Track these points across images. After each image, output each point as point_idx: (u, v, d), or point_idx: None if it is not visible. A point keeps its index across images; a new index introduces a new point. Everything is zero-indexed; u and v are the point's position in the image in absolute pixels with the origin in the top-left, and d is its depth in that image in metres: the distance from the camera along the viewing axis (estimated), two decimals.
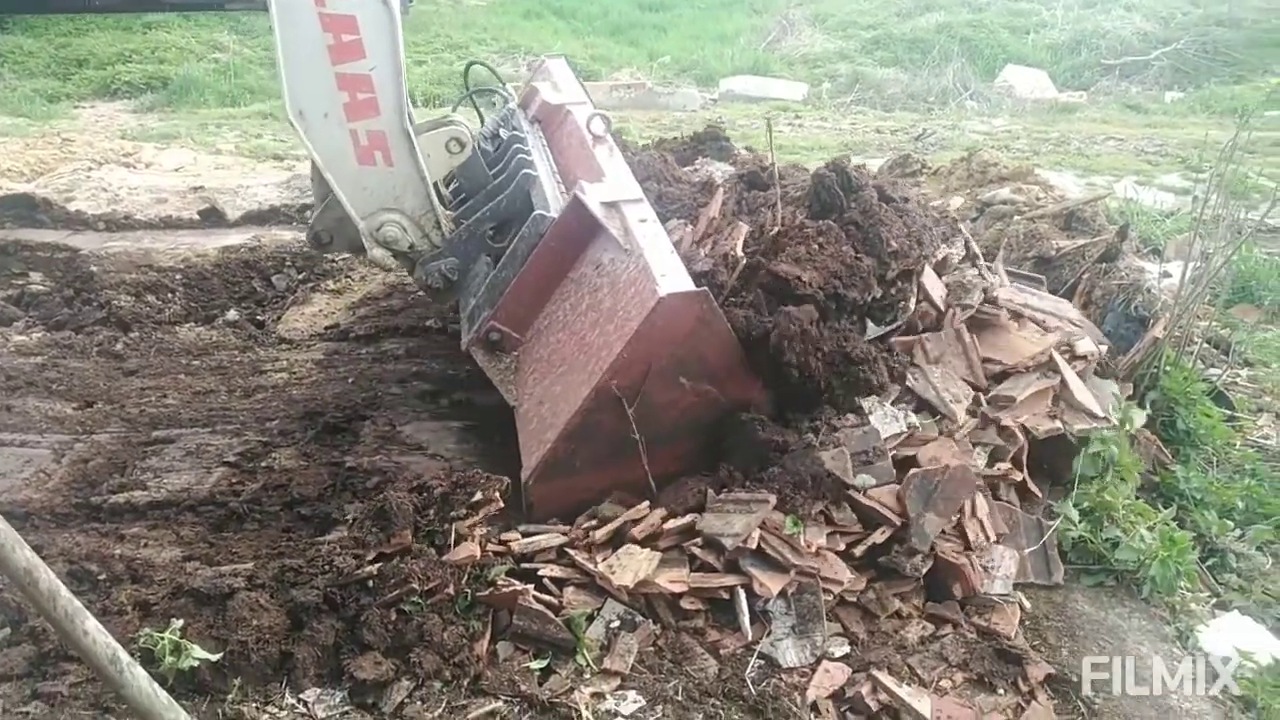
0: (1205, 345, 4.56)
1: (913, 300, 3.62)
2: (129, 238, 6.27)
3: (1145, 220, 6.65)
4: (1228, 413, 4.14)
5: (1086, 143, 10.15)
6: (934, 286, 3.71)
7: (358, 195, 3.86)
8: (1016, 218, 4.98)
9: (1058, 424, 3.37)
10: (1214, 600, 3.24)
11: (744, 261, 3.43)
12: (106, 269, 5.70)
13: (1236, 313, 5.48)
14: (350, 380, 4.48)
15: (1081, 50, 14.19)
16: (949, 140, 10.11)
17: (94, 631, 1.59)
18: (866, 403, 3.20)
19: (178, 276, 5.65)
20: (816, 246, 3.45)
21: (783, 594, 2.80)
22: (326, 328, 5.21)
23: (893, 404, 3.28)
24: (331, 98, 3.65)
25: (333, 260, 6.03)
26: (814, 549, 2.87)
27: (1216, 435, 3.94)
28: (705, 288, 3.03)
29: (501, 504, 3.03)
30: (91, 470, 3.64)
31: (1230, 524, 3.50)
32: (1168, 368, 3.92)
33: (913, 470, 3.01)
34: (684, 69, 14.27)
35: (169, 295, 5.48)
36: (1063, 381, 3.50)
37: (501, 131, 4.56)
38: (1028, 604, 3.04)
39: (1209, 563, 3.38)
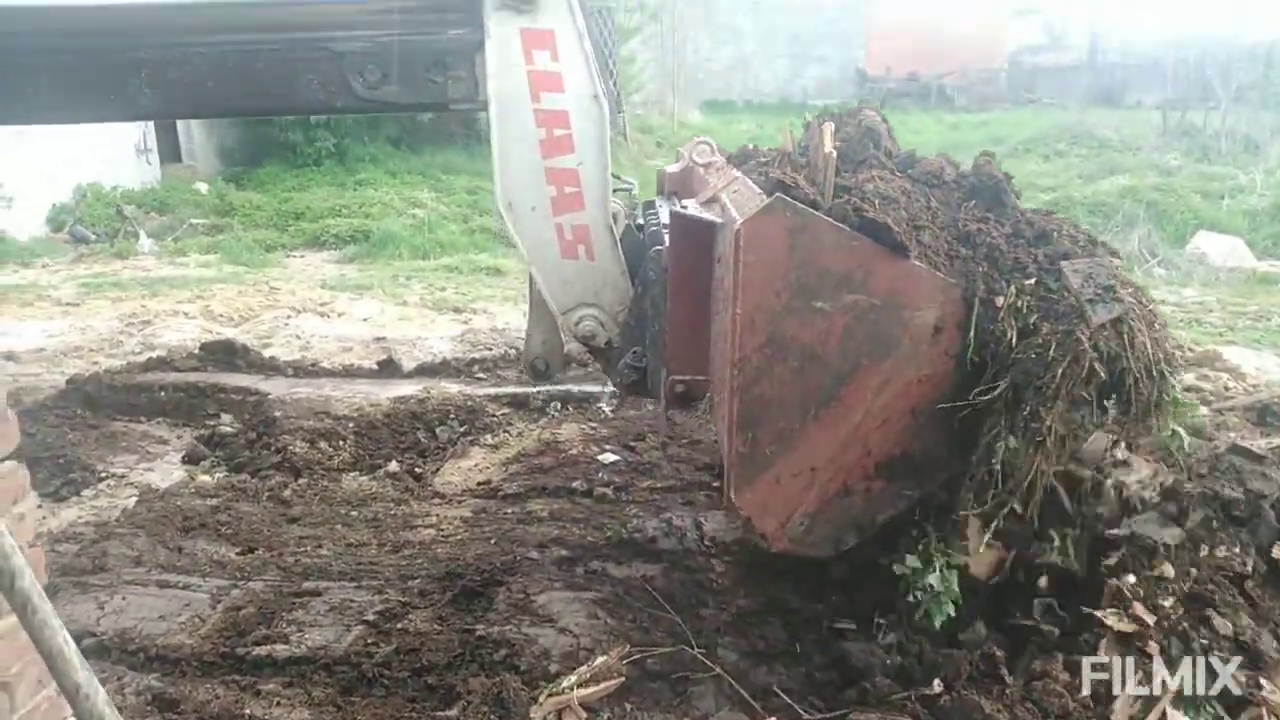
0: None
1: None
2: (313, 384, 6.74)
3: None
4: None
5: None
6: None
7: (559, 289, 3.88)
8: (1203, 409, 4.61)
9: None
10: None
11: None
12: (288, 414, 6.11)
13: None
14: (493, 541, 4.53)
15: None
16: None
17: None
18: None
19: (350, 425, 5.98)
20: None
21: None
22: (479, 483, 5.35)
23: None
24: (540, 191, 3.73)
25: (493, 415, 6.25)
26: None
27: None
28: (777, 194, 2.66)
29: (623, 678, 2.97)
30: (242, 619, 3.79)
31: None
32: None
33: None
34: None
35: (340, 443, 5.79)
36: None
37: (640, 218, 4.56)
38: None
39: None
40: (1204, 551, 2.88)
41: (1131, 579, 2.87)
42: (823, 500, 2.84)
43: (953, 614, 2.90)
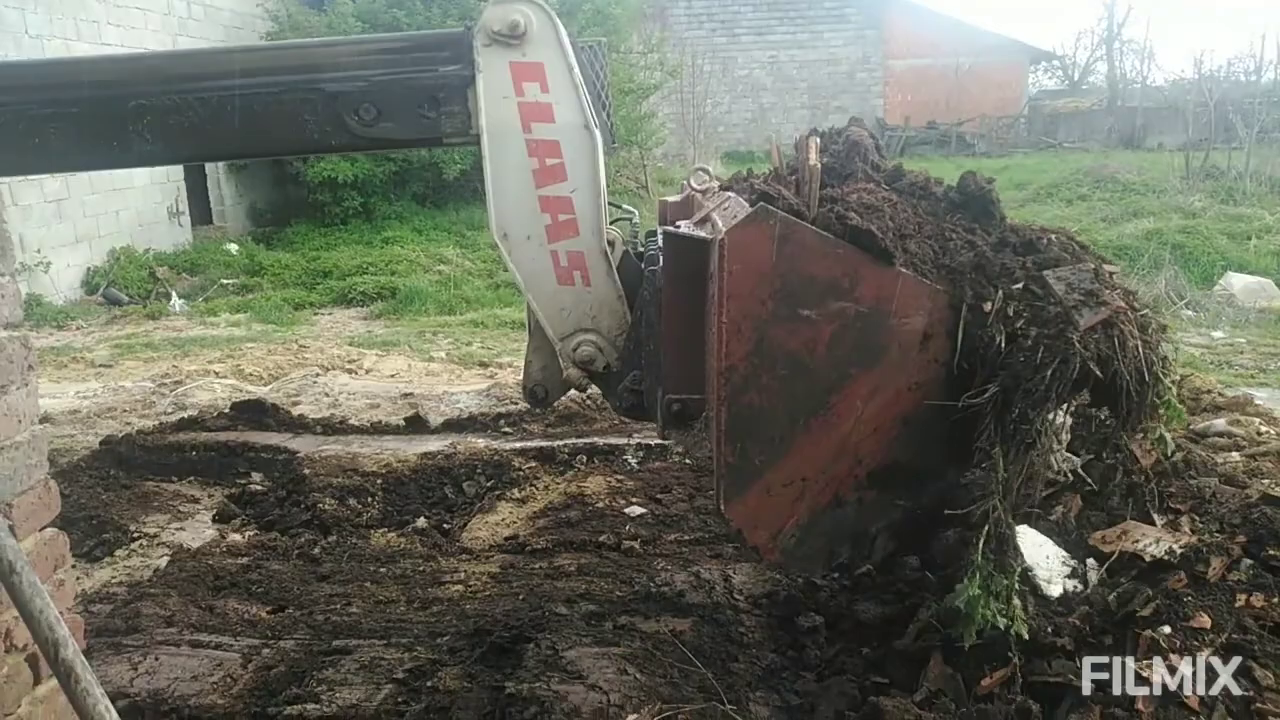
0: None
1: None
2: (341, 441, 6.78)
3: None
4: None
5: None
6: None
7: (556, 316, 3.91)
8: (1235, 454, 4.55)
9: None
10: None
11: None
12: (317, 471, 6.16)
13: None
14: (521, 597, 4.53)
15: None
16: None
17: None
18: None
19: (379, 481, 6.03)
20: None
21: None
22: (506, 538, 5.35)
23: None
24: (534, 220, 3.79)
25: (519, 469, 6.27)
26: None
27: None
28: (761, 203, 2.66)
29: None
30: (273, 679, 3.80)
31: None
32: None
33: None
34: None
35: (369, 499, 5.83)
36: None
37: (641, 246, 4.59)
38: None
39: None
40: (1240, 601, 2.83)
41: (1167, 630, 2.83)
42: (815, 511, 2.80)
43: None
